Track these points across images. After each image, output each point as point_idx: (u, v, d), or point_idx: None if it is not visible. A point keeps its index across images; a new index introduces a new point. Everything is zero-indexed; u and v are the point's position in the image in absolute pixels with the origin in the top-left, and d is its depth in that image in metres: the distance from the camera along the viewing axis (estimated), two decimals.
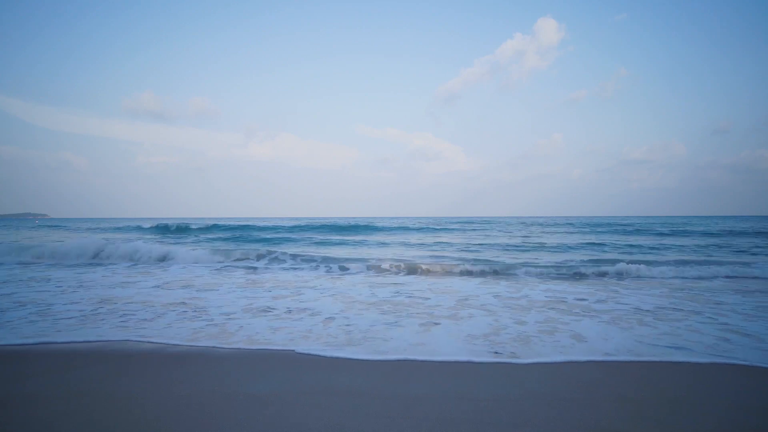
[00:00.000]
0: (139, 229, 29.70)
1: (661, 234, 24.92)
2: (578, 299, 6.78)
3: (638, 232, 26.67)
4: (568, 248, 16.74)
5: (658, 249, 16.46)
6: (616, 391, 3.06)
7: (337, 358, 3.82)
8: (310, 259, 12.09)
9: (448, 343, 4.31)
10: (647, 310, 5.89)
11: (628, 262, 10.29)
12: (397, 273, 10.13)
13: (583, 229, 29.50)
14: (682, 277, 9.37)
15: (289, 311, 5.83)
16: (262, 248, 14.41)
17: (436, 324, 5.10)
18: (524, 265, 10.72)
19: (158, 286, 7.99)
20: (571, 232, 27.14)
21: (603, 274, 9.74)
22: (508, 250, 16.47)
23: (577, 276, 9.64)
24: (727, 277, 9.46)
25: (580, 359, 3.81)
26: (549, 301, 6.67)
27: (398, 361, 3.77)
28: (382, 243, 19.95)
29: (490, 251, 15.87)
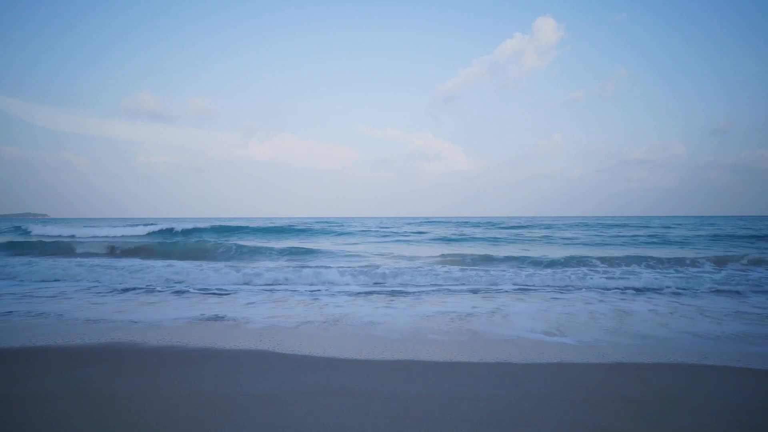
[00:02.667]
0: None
1: None
2: None
3: None
4: None
5: None
6: (616, 391, 3.06)
7: (337, 359, 3.82)
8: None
9: None
10: None
11: None
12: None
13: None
14: None
15: None
16: None
17: None
18: None
19: None
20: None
21: None
22: None
23: None
24: None
25: (579, 360, 3.81)
26: None
27: (398, 361, 3.77)
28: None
29: None
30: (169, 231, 25.76)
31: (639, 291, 7.58)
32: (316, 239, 23.43)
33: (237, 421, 2.54)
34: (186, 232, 25.62)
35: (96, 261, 11.00)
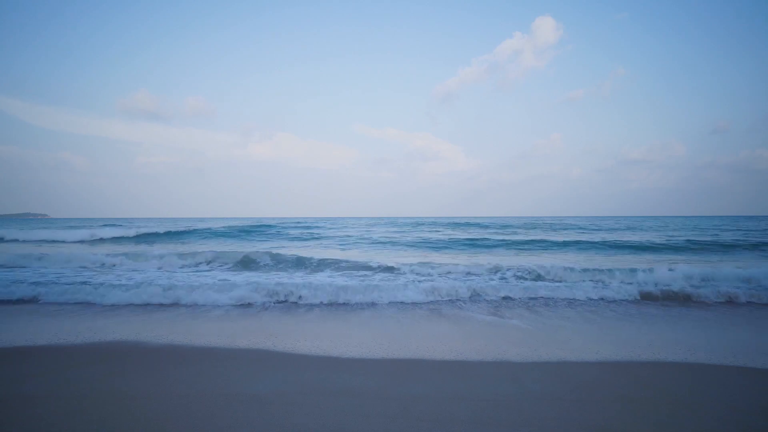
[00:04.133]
0: None
1: None
2: None
3: None
4: None
5: None
6: (616, 391, 3.06)
7: (337, 358, 3.82)
8: None
9: None
10: None
11: None
12: None
13: None
14: None
15: None
16: None
17: None
18: None
19: None
20: None
21: None
22: None
23: None
24: None
25: (579, 359, 3.81)
26: None
27: (398, 360, 3.77)
28: None
29: None
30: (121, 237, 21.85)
31: None
32: (278, 242, 20.59)
33: (237, 421, 2.54)
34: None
35: None
